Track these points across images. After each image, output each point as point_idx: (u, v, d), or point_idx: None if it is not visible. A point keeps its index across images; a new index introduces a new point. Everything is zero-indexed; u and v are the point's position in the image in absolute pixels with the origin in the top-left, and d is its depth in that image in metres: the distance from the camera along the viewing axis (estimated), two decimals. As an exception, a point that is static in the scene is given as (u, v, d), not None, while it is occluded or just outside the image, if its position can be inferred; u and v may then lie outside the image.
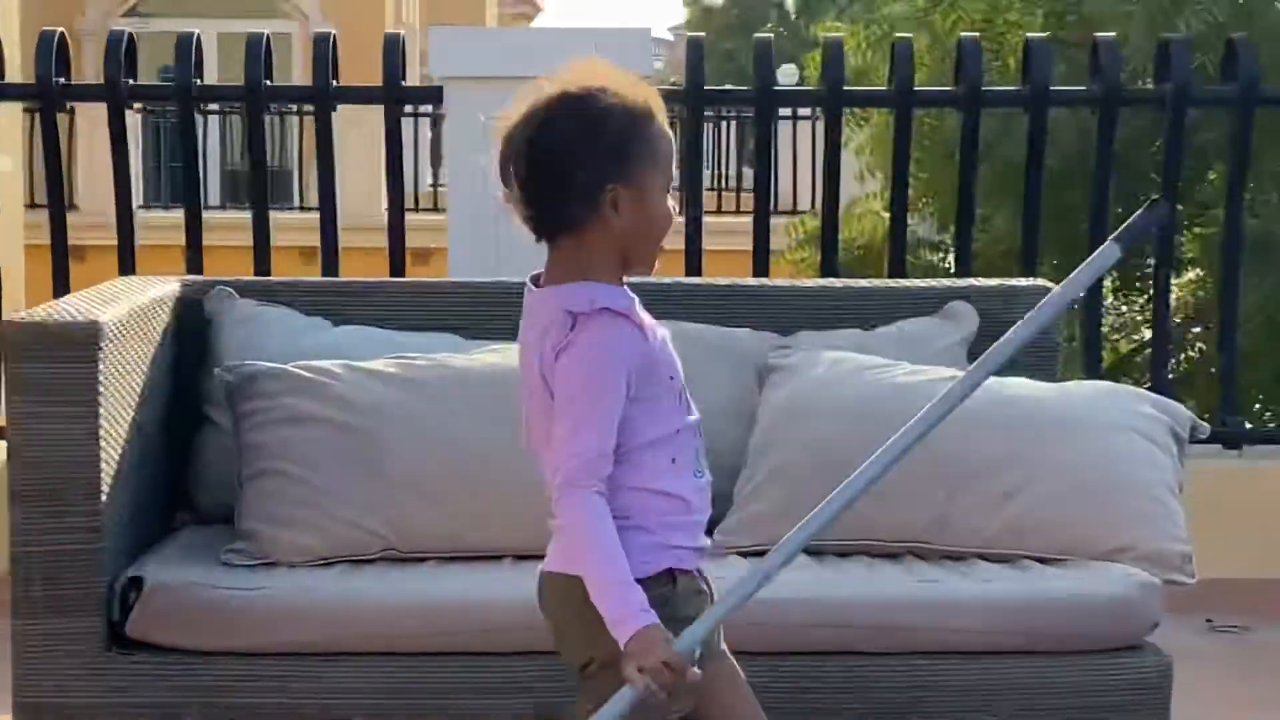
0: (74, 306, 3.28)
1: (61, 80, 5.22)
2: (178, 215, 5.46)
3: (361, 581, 3.25)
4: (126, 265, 5.17)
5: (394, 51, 5.20)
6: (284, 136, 17.52)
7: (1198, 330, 8.40)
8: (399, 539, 3.36)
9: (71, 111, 16.06)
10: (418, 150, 16.73)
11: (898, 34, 6.22)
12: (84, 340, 3.13)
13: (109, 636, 3.17)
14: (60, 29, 5.34)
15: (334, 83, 5.21)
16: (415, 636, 3.19)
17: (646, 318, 2.52)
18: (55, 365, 3.13)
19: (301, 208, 16.25)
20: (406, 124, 16.15)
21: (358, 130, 14.68)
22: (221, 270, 4.46)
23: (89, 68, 16.33)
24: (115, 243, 5.22)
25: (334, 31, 5.42)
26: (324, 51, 5.21)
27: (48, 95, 5.22)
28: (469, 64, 5.08)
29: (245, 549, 3.32)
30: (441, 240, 5.46)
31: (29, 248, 10.43)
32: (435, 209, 15.11)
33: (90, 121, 14.70)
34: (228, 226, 9.77)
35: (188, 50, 5.18)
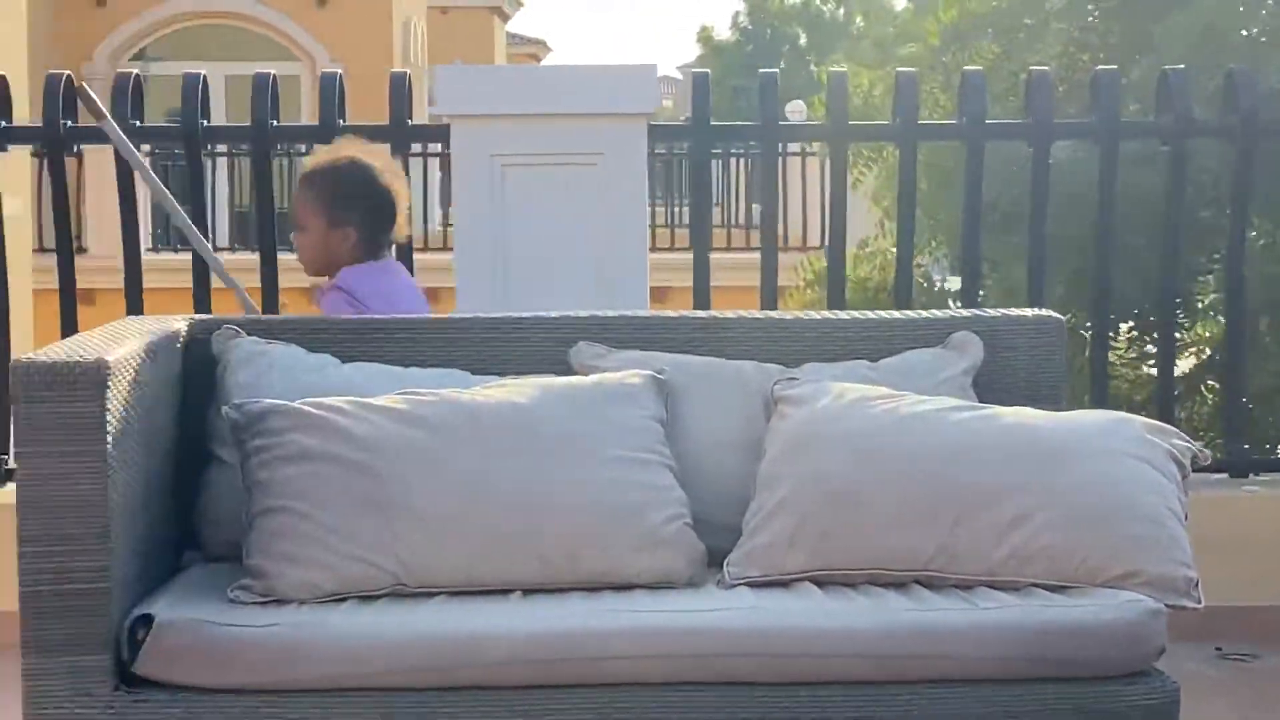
0: (82, 346, 3.29)
1: (69, 123, 5.25)
2: (187, 257, 5.48)
3: (370, 618, 3.26)
4: (135, 306, 5.19)
5: (401, 89, 5.23)
6: (291, 177, 17.57)
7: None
8: (407, 575, 3.36)
9: (80, 154, 16.17)
10: (426, 190, 16.82)
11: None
12: (93, 379, 3.15)
13: (118, 675, 3.17)
14: (67, 72, 5.38)
15: (341, 121, 5.23)
16: (424, 671, 3.19)
17: None
18: (64, 405, 3.14)
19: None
20: (415, 163, 16.29)
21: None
22: (229, 310, 4.48)
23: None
24: (124, 285, 5.24)
25: (340, 71, 5.44)
26: (331, 90, 5.24)
27: (55, 138, 5.26)
28: (476, 102, 5.09)
29: (253, 586, 3.33)
30: (450, 279, 5.46)
31: (37, 292, 10.45)
32: (445, 248, 15.14)
33: (98, 164, 14.76)
34: (235, 267, 9.80)
35: (193, 91, 5.21)
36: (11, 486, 5.28)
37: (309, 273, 4.31)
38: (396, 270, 4.32)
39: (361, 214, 4.17)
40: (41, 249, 12.74)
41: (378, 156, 4.26)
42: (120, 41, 21.62)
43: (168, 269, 10.77)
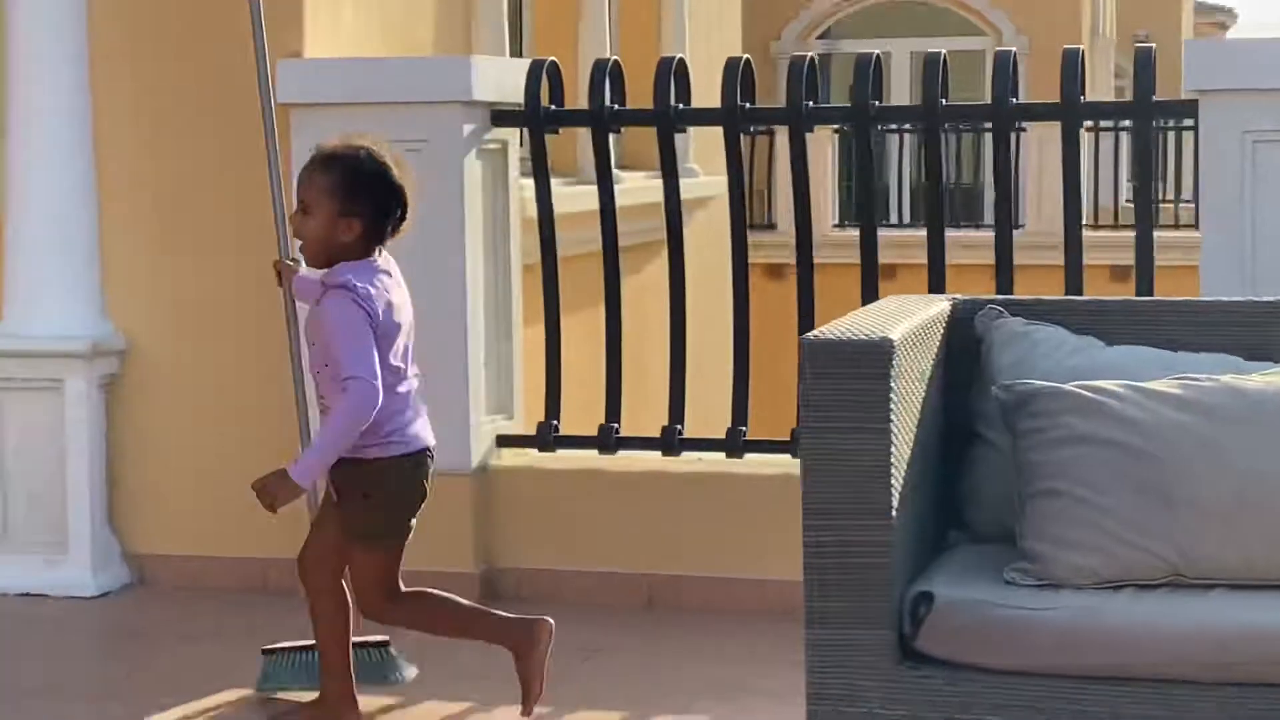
0: (863, 324, 3.34)
1: (746, 104, 5.40)
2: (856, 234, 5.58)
3: (1150, 607, 3.19)
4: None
5: (1073, 67, 5.11)
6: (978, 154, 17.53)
7: None
8: (1186, 565, 3.27)
9: (771, 134, 16.63)
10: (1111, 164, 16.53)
11: None
12: (879, 357, 3.19)
13: (899, 649, 3.22)
14: (745, 55, 5.53)
15: (1013, 100, 5.17)
16: (1208, 665, 3.10)
17: None
18: (850, 381, 3.20)
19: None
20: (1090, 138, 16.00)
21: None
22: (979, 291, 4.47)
23: (781, 90, 16.89)
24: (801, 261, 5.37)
25: (1014, 50, 5.39)
26: (1005, 69, 5.18)
27: (732, 120, 5.41)
28: (1227, 77, 4.93)
29: (1029, 569, 3.30)
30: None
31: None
32: (1126, 225, 14.77)
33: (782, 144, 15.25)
34: (907, 243, 10.03)
35: (865, 71, 5.27)
36: (749, 457, 5.48)
37: (308, 261, 4.13)
38: (391, 267, 4.07)
39: (372, 207, 3.98)
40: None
41: (389, 151, 4.08)
42: (809, 20, 22.11)
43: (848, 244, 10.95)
